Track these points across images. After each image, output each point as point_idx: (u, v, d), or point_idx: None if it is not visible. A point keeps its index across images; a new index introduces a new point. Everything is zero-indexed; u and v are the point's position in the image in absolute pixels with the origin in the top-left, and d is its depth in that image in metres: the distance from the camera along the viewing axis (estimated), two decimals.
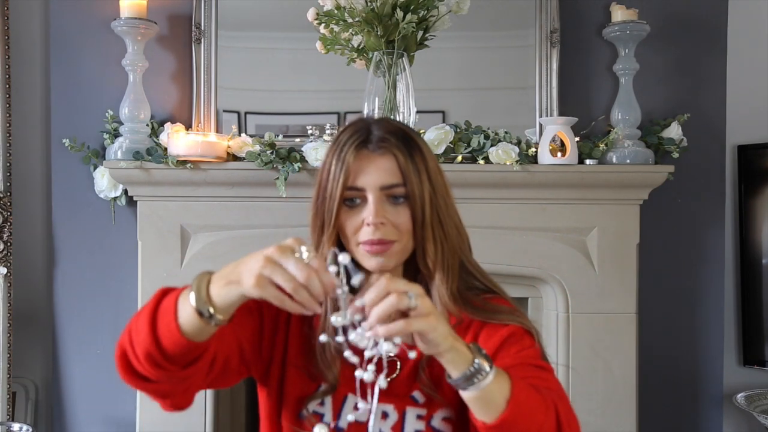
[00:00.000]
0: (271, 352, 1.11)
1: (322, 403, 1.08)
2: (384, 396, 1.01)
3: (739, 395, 2.30)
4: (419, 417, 1.06)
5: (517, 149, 2.13)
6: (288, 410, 1.09)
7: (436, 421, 1.06)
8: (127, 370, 0.93)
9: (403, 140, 1.05)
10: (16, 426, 2.16)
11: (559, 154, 2.13)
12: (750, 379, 2.44)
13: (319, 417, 1.08)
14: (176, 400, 0.99)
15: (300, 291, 0.81)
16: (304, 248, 0.84)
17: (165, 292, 0.94)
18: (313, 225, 1.09)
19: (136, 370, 0.92)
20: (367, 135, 1.05)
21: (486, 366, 0.86)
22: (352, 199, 1.04)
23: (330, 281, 0.83)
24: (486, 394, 0.86)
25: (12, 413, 2.28)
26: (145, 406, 2.19)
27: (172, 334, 0.88)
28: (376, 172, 1.03)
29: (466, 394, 0.87)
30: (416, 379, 1.07)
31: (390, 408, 1.06)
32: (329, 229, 1.05)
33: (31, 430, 2.13)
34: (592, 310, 2.22)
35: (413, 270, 1.11)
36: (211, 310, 0.86)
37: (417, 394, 1.07)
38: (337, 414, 1.07)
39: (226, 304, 0.87)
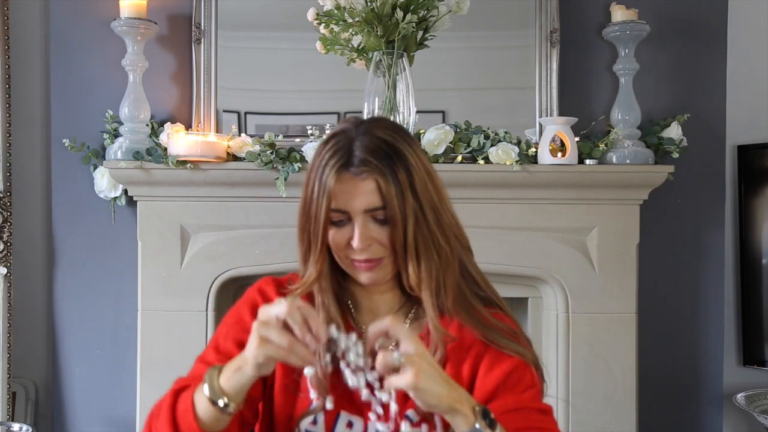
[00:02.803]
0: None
1: (314, 422, 1.07)
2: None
3: (739, 395, 2.30)
4: None
5: (517, 149, 2.13)
6: (280, 430, 1.09)
7: None
8: None
9: (386, 158, 1.01)
10: (16, 426, 2.16)
11: (559, 154, 2.13)
12: (750, 379, 2.44)
13: None
14: None
15: (291, 355, 0.90)
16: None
17: (181, 388, 1.02)
18: (300, 239, 1.09)
19: None
20: (348, 156, 1.02)
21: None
22: (337, 220, 1.04)
23: (318, 332, 0.91)
24: None
25: (12, 413, 2.28)
26: (145, 406, 2.19)
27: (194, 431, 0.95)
28: (359, 197, 1.01)
29: None
30: (411, 397, 1.07)
31: (384, 427, 1.04)
32: (317, 250, 1.05)
33: (31, 430, 2.13)
34: (592, 310, 2.22)
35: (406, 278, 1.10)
36: (225, 399, 0.94)
37: (411, 413, 1.06)
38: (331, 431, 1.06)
39: (236, 390, 0.94)
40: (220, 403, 0.94)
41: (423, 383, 0.88)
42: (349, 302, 1.14)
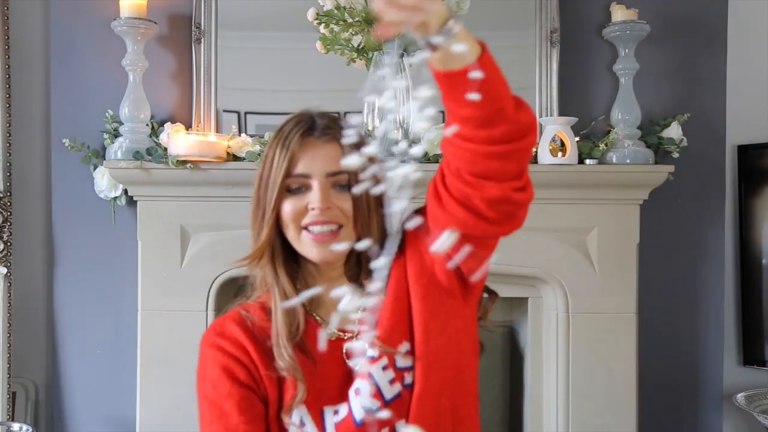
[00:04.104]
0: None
1: (303, 424, 1.06)
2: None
3: (739, 395, 2.30)
4: (384, 368, 1.05)
5: None
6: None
7: (400, 361, 1.05)
8: None
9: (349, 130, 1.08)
10: (16, 426, 2.16)
11: (559, 154, 2.13)
12: (750, 379, 2.44)
13: None
14: None
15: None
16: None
17: None
18: (253, 217, 1.13)
19: None
20: (311, 123, 1.07)
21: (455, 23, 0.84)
22: (296, 187, 1.06)
23: None
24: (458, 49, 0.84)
25: (12, 413, 2.28)
26: (145, 406, 2.20)
27: None
28: (323, 159, 1.05)
29: (437, 55, 0.85)
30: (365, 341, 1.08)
31: (359, 381, 1.05)
32: (268, 215, 1.08)
33: (31, 430, 2.13)
34: (592, 310, 2.22)
35: (354, 263, 1.11)
36: None
37: (371, 352, 1.07)
38: (322, 427, 1.07)
39: None
40: None
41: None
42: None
